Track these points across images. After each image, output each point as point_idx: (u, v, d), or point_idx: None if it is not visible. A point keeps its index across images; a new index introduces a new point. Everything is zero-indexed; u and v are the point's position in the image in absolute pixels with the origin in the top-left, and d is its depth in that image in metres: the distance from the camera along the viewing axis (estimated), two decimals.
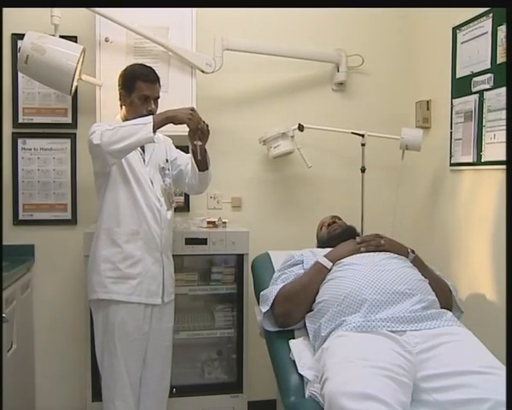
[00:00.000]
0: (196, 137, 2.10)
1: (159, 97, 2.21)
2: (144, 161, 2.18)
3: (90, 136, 2.03)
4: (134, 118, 2.09)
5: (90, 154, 2.09)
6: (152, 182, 2.18)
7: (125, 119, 2.17)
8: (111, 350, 2.11)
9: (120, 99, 2.20)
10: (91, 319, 2.26)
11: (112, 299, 2.09)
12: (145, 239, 2.13)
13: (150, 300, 2.15)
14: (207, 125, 2.10)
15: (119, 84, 2.20)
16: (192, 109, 2.08)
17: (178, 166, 2.35)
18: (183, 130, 2.10)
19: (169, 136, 2.37)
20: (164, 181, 2.24)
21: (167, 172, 2.27)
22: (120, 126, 2.00)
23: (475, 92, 2.33)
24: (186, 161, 2.34)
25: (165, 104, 2.24)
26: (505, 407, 1.25)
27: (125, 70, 2.21)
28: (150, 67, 2.21)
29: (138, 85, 2.14)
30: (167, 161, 2.29)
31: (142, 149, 2.18)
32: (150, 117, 2.01)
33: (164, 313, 2.23)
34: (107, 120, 2.27)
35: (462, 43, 2.45)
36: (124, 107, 2.21)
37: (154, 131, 1.99)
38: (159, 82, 2.20)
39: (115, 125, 2.01)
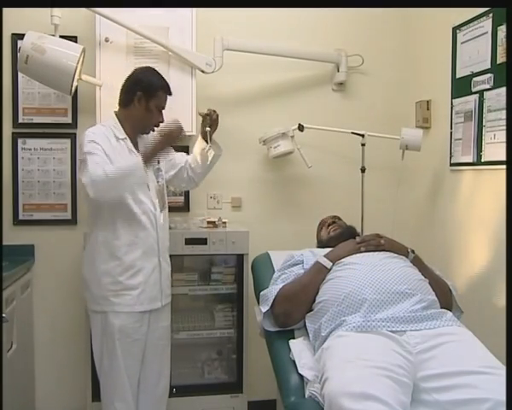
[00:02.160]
0: (207, 124, 2.35)
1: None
2: None
3: (81, 160, 2.03)
4: (139, 124, 2.14)
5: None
6: (148, 185, 2.15)
7: (127, 120, 2.14)
8: (110, 351, 2.10)
9: (133, 99, 2.11)
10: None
11: (114, 310, 2.09)
12: (143, 247, 2.12)
13: (151, 305, 2.16)
14: (215, 111, 2.35)
15: (137, 85, 2.12)
16: (165, 131, 2.07)
17: (178, 164, 2.38)
18: None
19: None
20: (158, 182, 2.24)
21: (161, 172, 2.28)
22: (113, 178, 1.93)
23: (475, 92, 2.33)
24: (183, 158, 2.41)
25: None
26: (505, 407, 1.25)
27: (144, 74, 2.16)
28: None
29: (160, 95, 2.15)
30: (161, 161, 2.29)
31: (137, 149, 2.17)
32: (140, 162, 1.98)
33: (161, 314, 2.24)
34: (103, 122, 2.26)
35: (462, 43, 2.45)
36: (133, 108, 2.13)
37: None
38: None
39: (106, 172, 1.92)
